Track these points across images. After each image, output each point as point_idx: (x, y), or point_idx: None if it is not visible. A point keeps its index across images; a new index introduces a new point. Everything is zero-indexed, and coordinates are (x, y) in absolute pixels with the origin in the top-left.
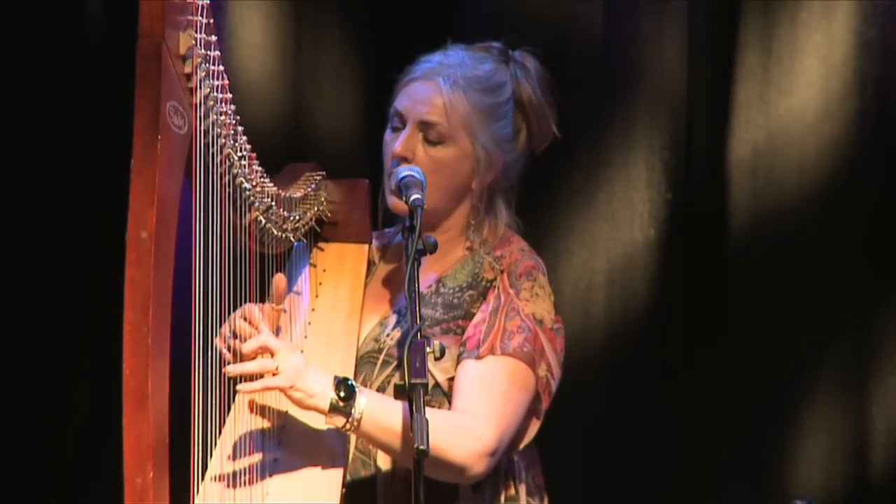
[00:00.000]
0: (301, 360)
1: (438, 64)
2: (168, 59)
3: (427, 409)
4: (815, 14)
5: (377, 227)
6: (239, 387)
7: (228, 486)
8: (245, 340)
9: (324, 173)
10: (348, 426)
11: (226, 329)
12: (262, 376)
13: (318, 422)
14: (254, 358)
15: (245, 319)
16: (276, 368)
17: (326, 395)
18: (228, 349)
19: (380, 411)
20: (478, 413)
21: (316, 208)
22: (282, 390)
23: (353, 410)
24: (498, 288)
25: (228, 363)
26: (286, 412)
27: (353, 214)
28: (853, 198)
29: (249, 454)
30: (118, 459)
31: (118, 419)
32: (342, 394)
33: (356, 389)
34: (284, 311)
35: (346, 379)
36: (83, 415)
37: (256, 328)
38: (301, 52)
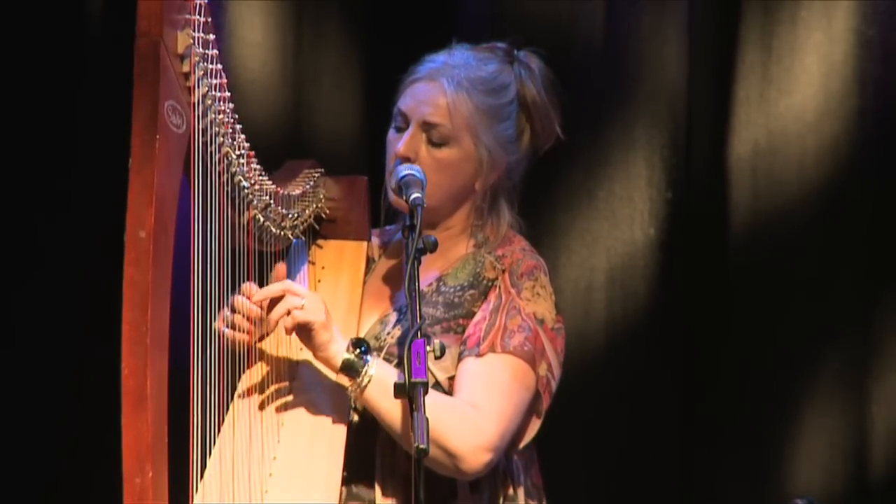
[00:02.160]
0: (325, 307)
1: (443, 64)
2: (166, 59)
3: (434, 392)
4: (815, 13)
5: (377, 225)
6: (271, 315)
7: (228, 484)
8: (246, 315)
9: (322, 170)
10: (355, 386)
11: (226, 311)
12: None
13: (318, 416)
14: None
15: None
16: (302, 305)
17: (342, 348)
18: (231, 326)
19: (388, 380)
20: (480, 408)
21: (315, 205)
22: (311, 324)
23: (364, 369)
24: (499, 287)
25: (227, 351)
26: (285, 408)
27: (351, 211)
28: (853, 196)
29: (248, 452)
30: (117, 459)
31: (117, 419)
32: (357, 350)
33: (371, 353)
34: None
35: (361, 340)
36: (82, 415)
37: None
38: (301, 50)
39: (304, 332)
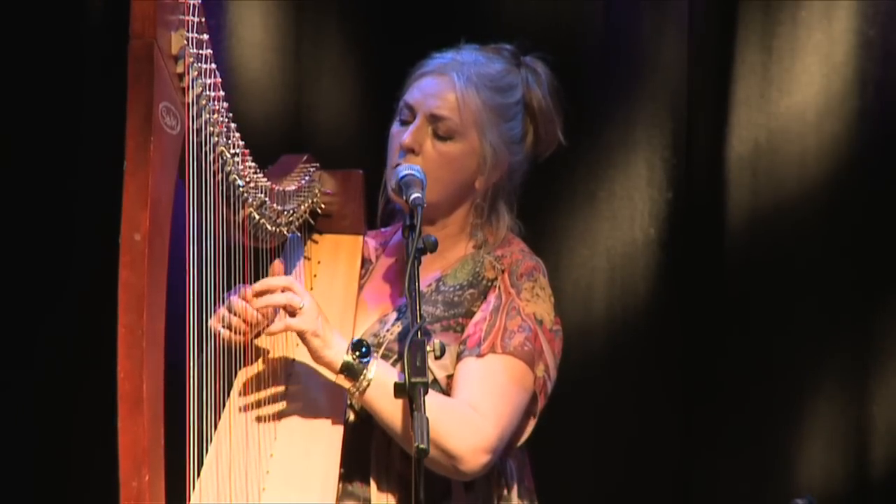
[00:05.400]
0: (320, 312)
1: (452, 60)
2: (160, 60)
3: (434, 393)
4: (815, 13)
5: (373, 220)
6: (266, 300)
7: (225, 481)
8: (243, 317)
9: (317, 164)
10: (354, 389)
11: (222, 311)
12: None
13: (315, 414)
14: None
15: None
16: (301, 309)
17: (342, 350)
18: (227, 327)
19: (388, 382)
20: (480, 409)
21: (310, 201)
22: (302, 333)
23: (364, 371)
24: (499, 287)
25: (224, 351)
26: (282, 406)
27: (347, 206)
28: (853, 196)
29: (245, 449)
30: (114, 463)
31: (113, 423)
32: (357, 353)
33: (372, 355)
34: None
35: (362, 342)
36: (79, 419)
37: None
38: (301, 50)
39: (300, 337)
